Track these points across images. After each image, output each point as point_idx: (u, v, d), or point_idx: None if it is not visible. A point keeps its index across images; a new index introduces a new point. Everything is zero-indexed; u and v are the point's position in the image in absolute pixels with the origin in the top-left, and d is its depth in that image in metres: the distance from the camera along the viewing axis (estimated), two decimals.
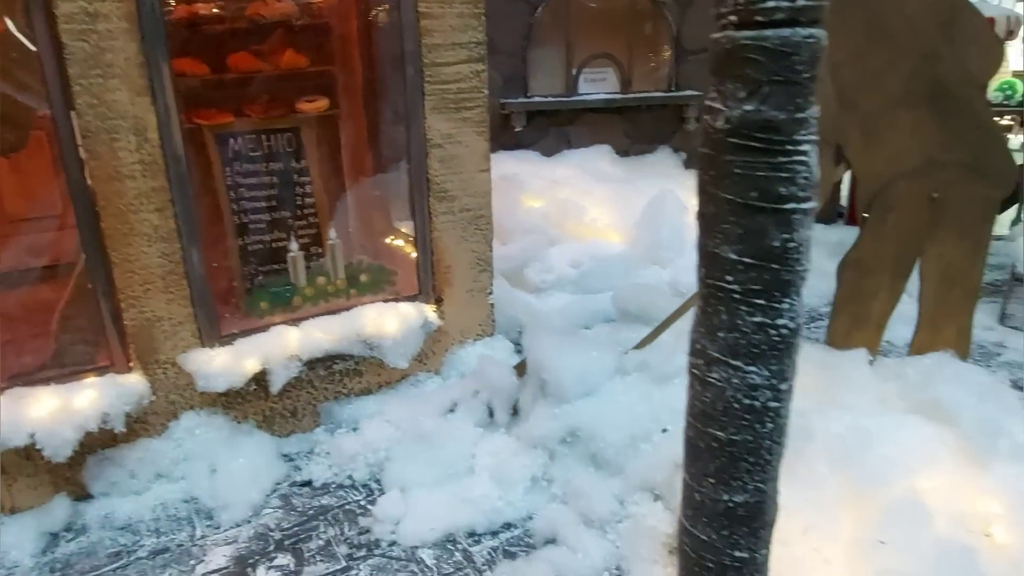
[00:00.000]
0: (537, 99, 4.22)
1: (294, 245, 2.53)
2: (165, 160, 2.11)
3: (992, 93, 9.80)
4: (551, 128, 4.34)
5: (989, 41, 2.05)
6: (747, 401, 0.79)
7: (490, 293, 2.90)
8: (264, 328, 2.40)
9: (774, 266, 0.75)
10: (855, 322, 2.31)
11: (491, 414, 2.44)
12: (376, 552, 1.99)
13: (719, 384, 0.81)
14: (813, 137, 0.71)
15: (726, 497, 0.86)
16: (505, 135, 4.26)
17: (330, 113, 2.84)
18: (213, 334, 2.31)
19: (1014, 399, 1.79)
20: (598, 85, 4.38)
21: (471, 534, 2.05)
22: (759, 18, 0.66)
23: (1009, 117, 5.54)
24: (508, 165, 3.99)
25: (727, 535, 0.89)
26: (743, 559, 0.87)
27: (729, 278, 0.77)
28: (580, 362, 2.20)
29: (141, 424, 2.28)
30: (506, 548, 1.99)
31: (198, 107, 2.57)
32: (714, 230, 0.76)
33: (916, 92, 2.07)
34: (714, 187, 0.76)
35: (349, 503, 2.20)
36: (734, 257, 0.76)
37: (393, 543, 2.02)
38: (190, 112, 2.49)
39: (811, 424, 1.71)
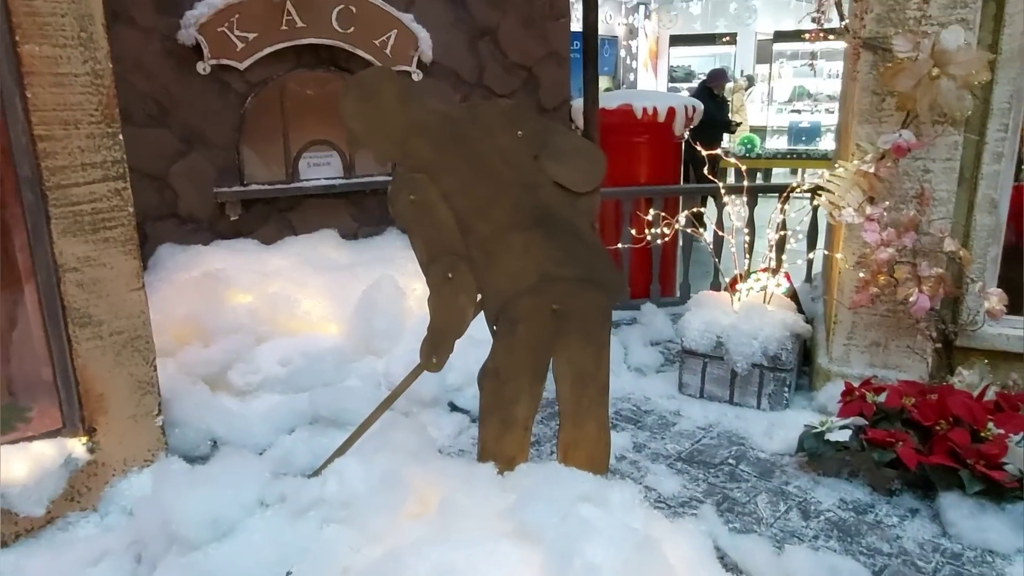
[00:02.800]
0: (254, 187, 4.10)
1: None
2: None
3: (735, 147, 11.16)
4: (272, 215, 4.23)
5: (589, 152, 2.26)
6: None
7: (157, 415, 2.70)
8: None
9: None
10: (504, 426, 2.41)
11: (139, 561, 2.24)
12: None
13: None
14: None
15: None
16: (222, 224, 4.09)
17: None
18: None
19: (593, 514, 1.92)
20: (323, 170, 4.35)
21: None
22: None
23: None
24: (216, 259, 3.81)
25: None
26: None
27: None
28: (213, 502, 2.08)
29: None
30: None
31: None
32: None
33: (523, 218, 2.23)
34: None
35: None
36: None
37: None
38: None
39: (402, 565, 1.72)
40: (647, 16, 20.21)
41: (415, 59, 4.35)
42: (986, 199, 2.95)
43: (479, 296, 2.30)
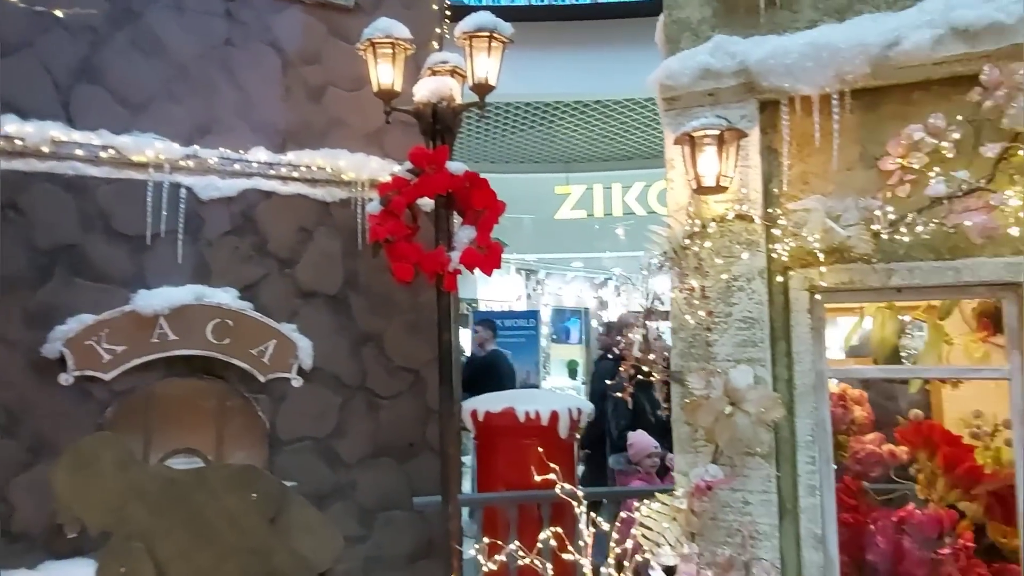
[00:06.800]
0: None
1: None
2: None
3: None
4: None
5: (323, 531, 2.17)
6: None
7: None
8: None
9: None
10: None
11: None
12: None
13: None
14: None
15: None
16: (59, 542, 3.82)
17: None
18: None
19: None
20: None
21: None
22: None
23: None
24: None
25: None
26: None
27: None
28: None
29: None
30: None
31: None
32: None
33: None
34: None
35: None
36: None
37: None
38: None
39: None
40: (617, 292, 21.59)
41: (295, 366, 4.48)
42: (810, 534, 2.81)
43: None
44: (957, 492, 3.23)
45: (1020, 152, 2.63)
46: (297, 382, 4.48)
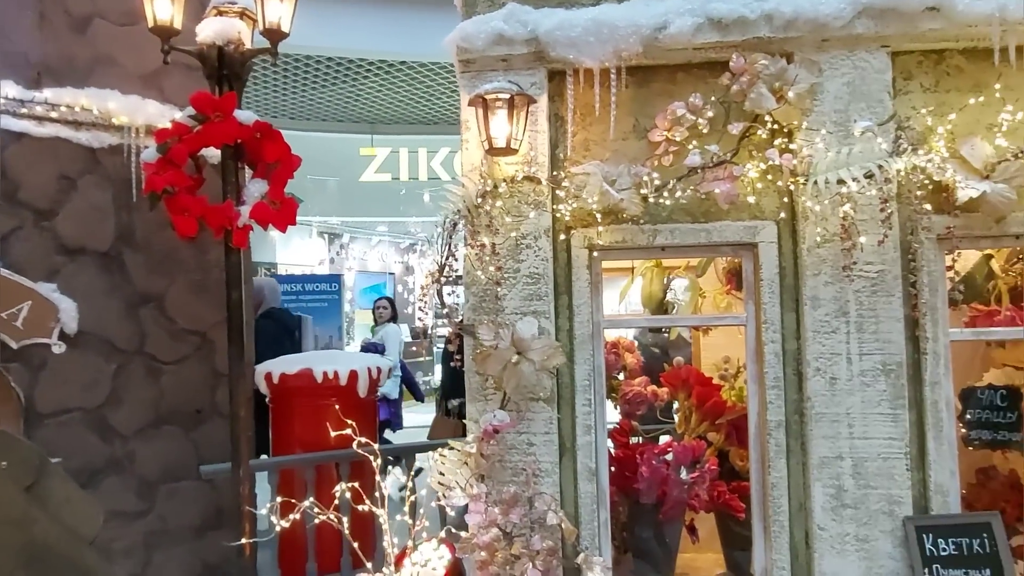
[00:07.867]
0: None
1: None
2: None
3: None
4: None
5: (83, 504, 2.04)
6: None
7: None
8: None
9: None
10: None
11: None
12: None
13: None
14: None
15: None
16: None
17: None
18: None
19: None
20: None
21: None
22: None
23: None
24: None
25: None
26: None
27: None
28: None
29: None
30: None
31: None
32: None
33: (6, 560, 1.89)
34: None
35: None
36: None
37: None
38: None
39: None
40: (421, 255, 21.68)
41: (56, 331, 4.01)
42: (585, 468, 3.12)
43: None
44: (706, 425, 3.75)
45: (758, 131, 3.06)
46: (59, 348, 4.02)
